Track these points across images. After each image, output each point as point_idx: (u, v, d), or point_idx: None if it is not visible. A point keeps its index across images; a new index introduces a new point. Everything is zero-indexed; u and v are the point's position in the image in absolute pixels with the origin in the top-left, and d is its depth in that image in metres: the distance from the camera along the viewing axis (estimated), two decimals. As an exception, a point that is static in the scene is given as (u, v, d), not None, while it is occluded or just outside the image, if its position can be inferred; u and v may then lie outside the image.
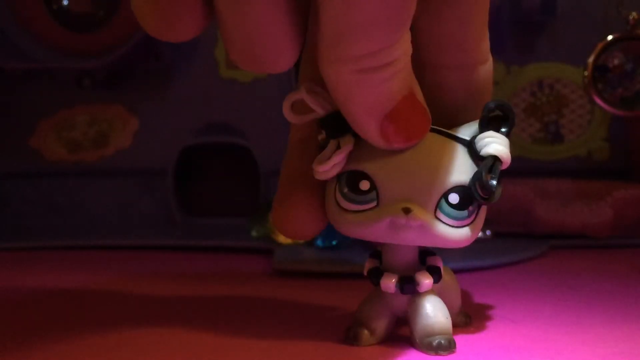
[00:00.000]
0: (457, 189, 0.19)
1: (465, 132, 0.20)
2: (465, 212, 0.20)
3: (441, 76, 0.21)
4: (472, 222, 0.20)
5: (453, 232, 0.20)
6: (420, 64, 0.21)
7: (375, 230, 0.20)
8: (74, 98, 0.50)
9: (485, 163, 0.19)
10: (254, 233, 0.42)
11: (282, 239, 0.40)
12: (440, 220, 0.19)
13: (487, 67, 0.21)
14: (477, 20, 0.20)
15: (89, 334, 0.23)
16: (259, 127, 0.49)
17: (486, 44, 0.21)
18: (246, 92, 0.49)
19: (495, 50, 0.22)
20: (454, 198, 0.19)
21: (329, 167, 0.20)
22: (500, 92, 0.48)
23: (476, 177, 0.19)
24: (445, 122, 0.21)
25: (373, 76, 0.17)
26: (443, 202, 0.19)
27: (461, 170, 0.19)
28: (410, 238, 0.20)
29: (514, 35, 0.48)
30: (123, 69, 0.48)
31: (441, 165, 0.19)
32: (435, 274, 0.21)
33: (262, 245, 0.40)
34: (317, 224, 0.21)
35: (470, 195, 0.19)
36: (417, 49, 0.20)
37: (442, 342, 0.20)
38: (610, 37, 0.42)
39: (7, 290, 0.31)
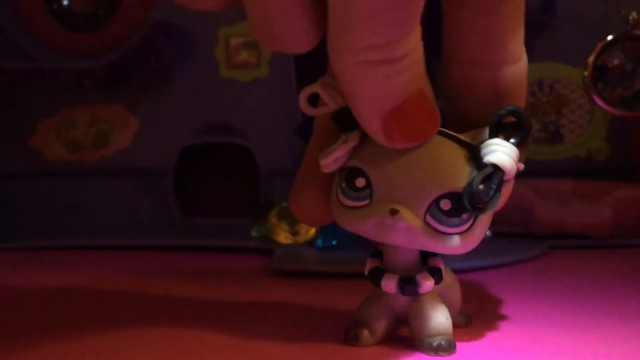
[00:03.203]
0: (451, 195, 0.19)
1: (476, 137, 0.20)
2: (456, 220, 0.19)
3: (465, 72, 0.20)
4: (465, 231, 0.19)
5: (441, 238, 0.19)
6: (445, 58, 0.20)
7: (365, 228, 0.20)
8: (74, 98, 0.50)
9: (482, 171, 0.19)
10: (254, 233, 0.42)
11: (282, 238, 0.40)
12: (430, 225, 0.19)
13: (516, 69, 0.21)
14: (506, 16, 0.20)
15: (89, 333, 0.23)
16: (259, 127, 0.49)
17: (517, 44, 0.20)
18: (246, 92, 0.49)
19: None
20: (445, 204, 0.19)
21: (331, 161, 0.20)
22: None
23: (469, 185, 0.19)
24: (466, 122, 0.20)
25: (378, 70, 0.17)
26: (434, 207, 0.19)
27: (459, 176, 0.19)
28: (396, 239, 0.19)
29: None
30: (123, 69, 0.48)
31: (437, 169, 0.19)
32: (436, 275, 0.21)
33: (262, 245, 0.40)
34: (329, 212, 0.21)
35: (463, 203, 0.19)
36: (443, 41, 0.20)
37: (442, 343, 0.20)
38: (610, 37, 0.42)
39: (7, 290, 0.31)
